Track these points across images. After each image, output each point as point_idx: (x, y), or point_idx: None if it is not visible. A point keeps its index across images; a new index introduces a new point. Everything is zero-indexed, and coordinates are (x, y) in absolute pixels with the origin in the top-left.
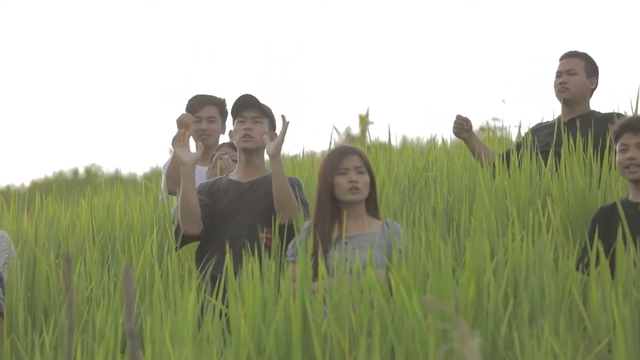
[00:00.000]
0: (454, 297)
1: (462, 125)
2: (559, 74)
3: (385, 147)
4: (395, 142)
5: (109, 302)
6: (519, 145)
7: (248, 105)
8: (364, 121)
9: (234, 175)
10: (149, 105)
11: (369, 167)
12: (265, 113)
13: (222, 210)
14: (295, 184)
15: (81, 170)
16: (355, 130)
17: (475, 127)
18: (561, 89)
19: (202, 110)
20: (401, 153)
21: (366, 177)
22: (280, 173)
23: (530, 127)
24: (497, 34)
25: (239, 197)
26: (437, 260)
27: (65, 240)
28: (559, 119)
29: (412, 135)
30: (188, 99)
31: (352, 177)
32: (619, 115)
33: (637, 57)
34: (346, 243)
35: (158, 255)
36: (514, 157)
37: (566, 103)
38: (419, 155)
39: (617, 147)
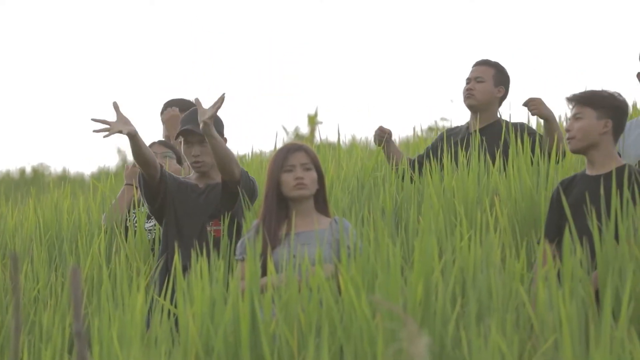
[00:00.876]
0: (402, 296)
1: (382, 136)
2: (467, 81)
3: (335, 147)
4: (345, 142)
5: (56, 303)
6: (434, 148)
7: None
8: (313, 121)
9: (192, 178)
10: (148, 105)
11: (317, 163)
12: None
13: (181, 210)
14: (252, 185)
15: (28, 170)
16: (304, 130)
17: (424, 126)
18: (467, 95)
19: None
20: (350, 153)
21: (313, 174)
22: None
23: (446, 130)
24: (445, 35)
25: (195, 199)
26: (385, 260)
27: (12, 240)
28: (468, 124)
29: (361, 135)
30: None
31: (298, 174)
32: (522, 125)
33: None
34: (294, 240)
35: (106, 255)
36: (462, 158)
37: (472, 109)
38: (368, 155)
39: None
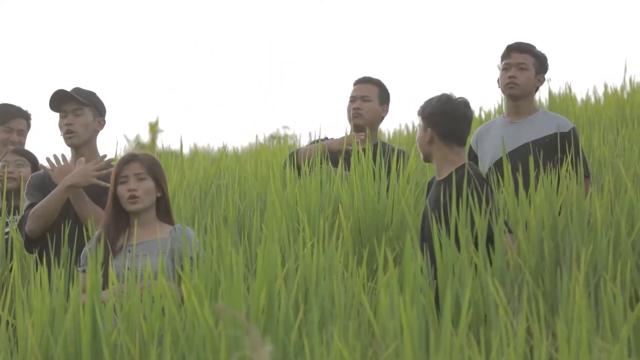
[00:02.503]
0: (245, 304)
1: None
2: (353, 99)
3: (177, 155)
4: (187, 150)
5: None
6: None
7: (66, 99)
8: (154, 129)
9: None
10: (148, 105)
11: (154, 172)
12: (84, 103)
13: None
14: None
15: None
16: (145, 138)
17: (266, 134)
18: (355, 115)
19: (13, 122)
20: (192, 161)
21: (147, 184)
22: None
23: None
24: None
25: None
26: (228, 268)
27: None
28: (349, 137)
29: (202, 143)
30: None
31: (130, 186)
32: (402, 152)
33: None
34: (129, 251)
35: None
36: (305, 167)
37: (357, 129)
38: (210, 163)
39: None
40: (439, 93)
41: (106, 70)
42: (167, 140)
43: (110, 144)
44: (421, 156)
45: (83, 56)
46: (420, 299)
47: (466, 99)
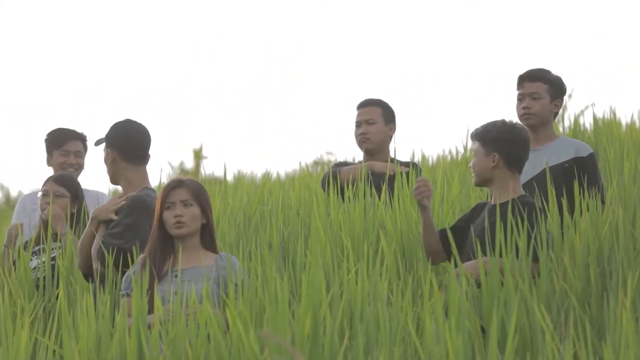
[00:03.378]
0: (290, 330)
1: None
2: (358, 124)
3: (220, 182)
4: (231, 176)
5: None
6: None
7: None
8: (198, 156)
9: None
10: (147, 105)
11: (200, 198)
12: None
13: None
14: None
15: None
16: (190, 165)
17: (309, 160)
18: (362, 140)
19: (69, 144)
20: (236, 187)
21: (193, 210)
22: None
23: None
24: (329, 71)
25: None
26: (273, 294)
27: None
28: (361, 162)
29: (246, 170)
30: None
31: (176, 212)
32: (414, 164)
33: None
34: (175, 276)
35: None
36: (348, 192)
37: (368, 153)
38: (254, 189)
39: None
40: (495, 118)
41: (148, 95)
42: (210, 167)
43: (155, 170)
44: (475, 180)
45: (81, 57)
46: (465, 325)
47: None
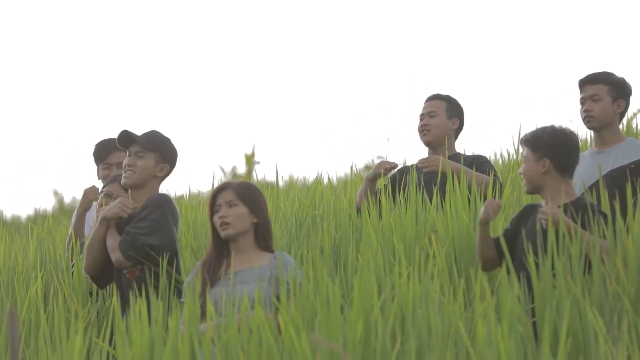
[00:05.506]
0: (342, 335)
1: (388, 168)
2: (421, 117)
3: (272, 186)
4: (282, 181)
5: None
6: (393, 183)
7: (129, 141)
8: (250, 161)
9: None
10: (147, 105)
11: (247, 198)
12: (147, 147)
13: None
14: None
15: None
16: (242, 169)
17: (360, 165)
18: (423, 132)
19: (111, 157)
20: (287, 192)
21: (239, 210)
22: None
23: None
24: (379, 73)
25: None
26: (325, 299)
27: None
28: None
29: (298, 174)
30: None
31: (221, 213)
32: (479, 157)
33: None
34: (229, 279)
35: (43, 298)
36: (400, 197)
37: (429, 146)
38: (305, 194)
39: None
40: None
41: (201, 100)
42: (262, 172)
43: (207, 175)
44: (526, 188)
45: (79, 57)
46: (518, 328)
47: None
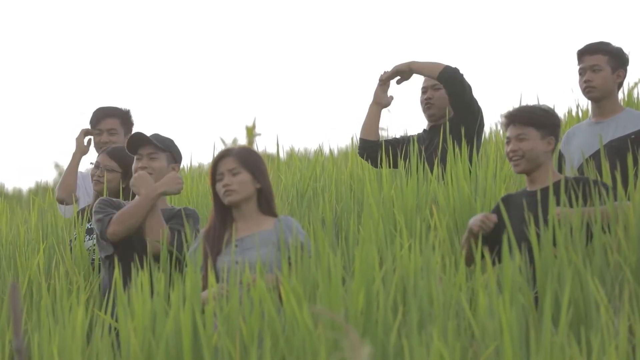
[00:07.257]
0: (343, 306)
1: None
2: (424, 90)
3: (273, 158)
4: (283, 153)
5: None
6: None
7: (143, 143)
8: (251, 132)
9: None
10: (146, 106)
11: (249, 164)
12: (159, 148)
13: None
14: (190, 217)
15: None
16: (242, 141)
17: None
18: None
19: (102, 123)
20: (288, 163)
21: (242, 177)
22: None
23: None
24: (380, 46)
25: None
26: (326, 270)
27: None
28: (425, 130)
29: (299, 146)
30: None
31: (225, 181)
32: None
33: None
34: (237, 245)
35: (45, 270)
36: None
37: (431, 119)
38: (307, 166)
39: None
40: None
41: (201, 72)
42: (263, 143)
43: (207, 147)
44: (521, 166)
45: (79, 57)
46: (519, 299)
47: None
